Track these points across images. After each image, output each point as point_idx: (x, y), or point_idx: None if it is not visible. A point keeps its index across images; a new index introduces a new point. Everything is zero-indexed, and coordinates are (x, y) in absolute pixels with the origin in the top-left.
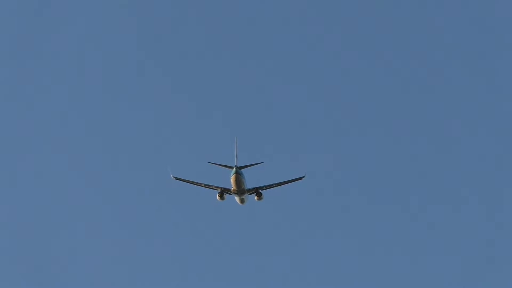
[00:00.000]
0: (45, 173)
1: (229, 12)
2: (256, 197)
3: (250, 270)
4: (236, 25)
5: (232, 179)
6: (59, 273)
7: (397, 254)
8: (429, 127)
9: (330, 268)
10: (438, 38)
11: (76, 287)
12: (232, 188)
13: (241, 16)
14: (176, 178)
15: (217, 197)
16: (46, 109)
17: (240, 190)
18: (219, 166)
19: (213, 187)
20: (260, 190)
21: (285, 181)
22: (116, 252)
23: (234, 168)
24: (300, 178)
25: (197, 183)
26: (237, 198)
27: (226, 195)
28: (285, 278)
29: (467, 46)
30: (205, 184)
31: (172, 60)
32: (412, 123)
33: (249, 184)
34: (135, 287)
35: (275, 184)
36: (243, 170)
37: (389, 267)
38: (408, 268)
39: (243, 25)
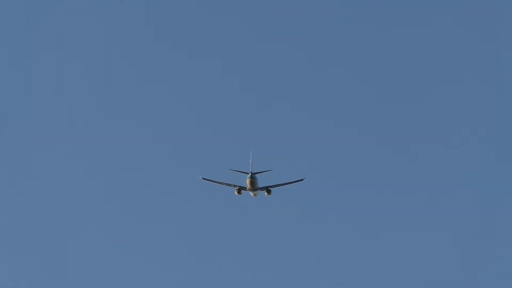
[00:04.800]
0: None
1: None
2: (266, 193)
3: (259, 251)
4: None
5: (247, 182)
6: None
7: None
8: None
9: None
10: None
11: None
12: (247, 187)
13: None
14: (204, 179)
15: (236, 192)
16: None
17: (254, 189)
18: (238, 172)
19: (233, 186)
20: (270, 188)
21: (288, 182)
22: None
23: (250, 174)
24: (301, 180)
25: (221, 182)
26: (251, 193)
27: (242, 191)
28: (288, 260)
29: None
30: (227, 183)
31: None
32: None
33: (261, 183)
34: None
35: (281, 184)
36: (256, 175)
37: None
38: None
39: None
